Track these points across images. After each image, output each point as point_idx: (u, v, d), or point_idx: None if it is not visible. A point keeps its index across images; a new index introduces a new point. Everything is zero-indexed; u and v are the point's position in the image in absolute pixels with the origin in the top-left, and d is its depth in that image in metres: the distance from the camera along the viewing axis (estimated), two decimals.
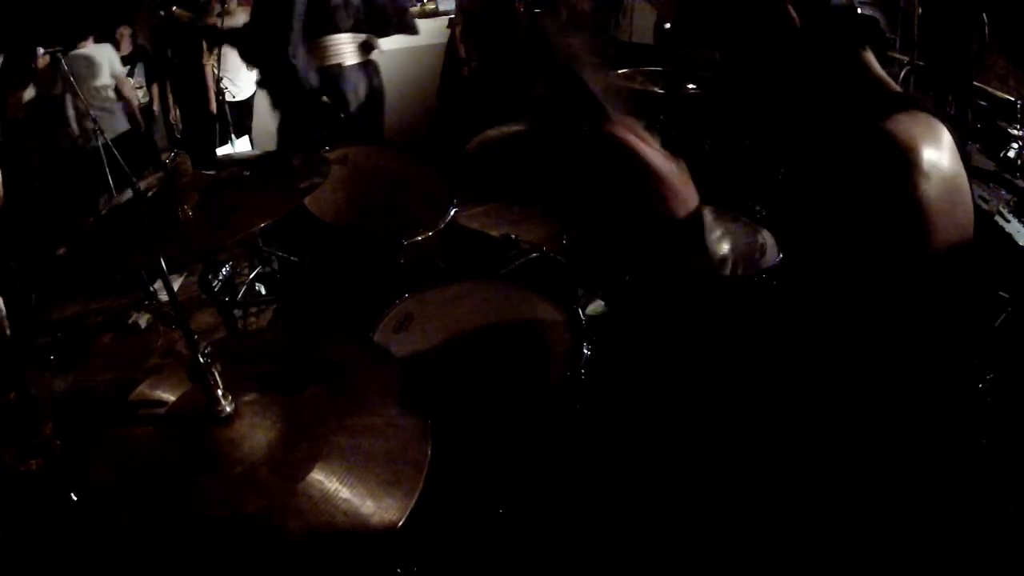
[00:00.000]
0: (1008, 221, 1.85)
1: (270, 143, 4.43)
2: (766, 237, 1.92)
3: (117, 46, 4.16)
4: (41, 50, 3.73)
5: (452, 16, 4.86)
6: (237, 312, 2.88)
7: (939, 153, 1.06)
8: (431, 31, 4.00)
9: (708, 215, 1.22)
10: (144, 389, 1.23)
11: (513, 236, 2.25)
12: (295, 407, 1.16)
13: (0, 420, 2.23)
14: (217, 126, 4.24)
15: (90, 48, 3.89)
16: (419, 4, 5.26)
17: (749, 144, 2.26)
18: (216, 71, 4.22)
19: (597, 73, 1.21)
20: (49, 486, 1.88)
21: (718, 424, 1.69)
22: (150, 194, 1.45)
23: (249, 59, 3.46)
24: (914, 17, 2.56)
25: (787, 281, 1.61)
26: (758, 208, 1.96)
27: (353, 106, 3.26)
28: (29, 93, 3.87)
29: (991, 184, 2.00)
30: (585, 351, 1.59)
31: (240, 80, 4.48)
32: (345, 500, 1.00)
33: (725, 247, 1.97)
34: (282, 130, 3.39)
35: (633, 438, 1.86)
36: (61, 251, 1.44)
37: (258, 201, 1.56)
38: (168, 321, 3.33)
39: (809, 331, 1.30)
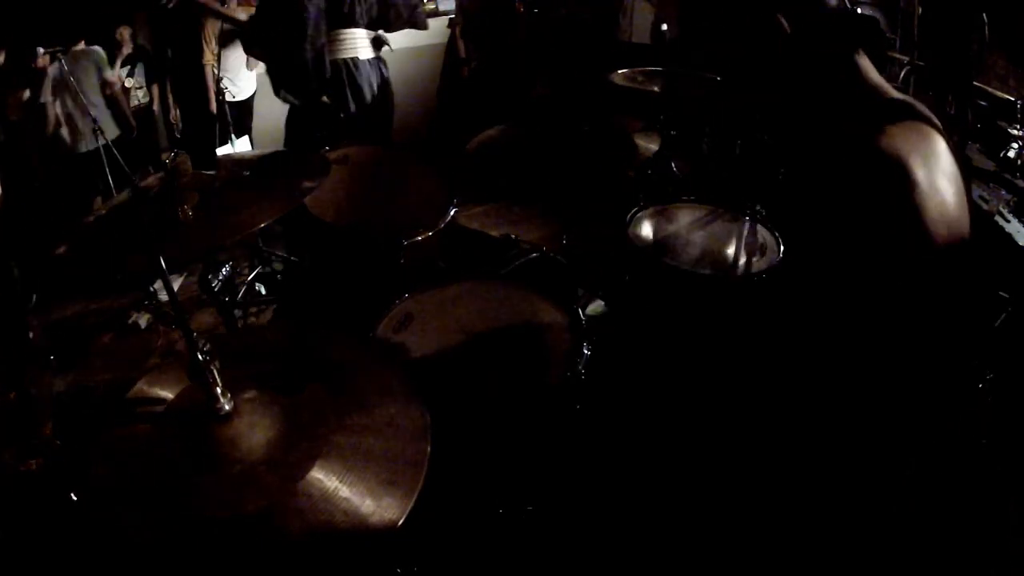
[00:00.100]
0: (1008, 221, 1.85)
1: (270, 143, 4.44)
2: (766, 237, 1.92)
3: (117, 46, 4.15)
4: (41, 50, 3.73)
5: (452, 16, 4.86)
6: (237, 312, 2.88)
7: (929, 165, 1.07)
8: (431, 31, 4.01)
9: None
10: (142, 386, 1.22)
11: (513, 236, 2.26)
12: (295, 406, 1.16)
13: (0, 420, 2.23)
14: (217, 126, 4.24)
15: (78, 52, 3.87)
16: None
17: (749, 144, 2.26)
18: (216, 71, 4.22)
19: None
20: (49, 486, 1.88)
21: (718, 424, 1.69)
22: (149, 194, 1.45)
23: (253, 47, 3.44)
24: (914, 17, 2.56)
25: (787, 281, 1.61)
26: (758, 208, 1.96)
27: (368, 99, 3.27)
28: (26, 95, 3.87)
29: (991, 184, 1.99)
30: (585, 351, 1.59)
31: (240, 80, 4.49)
32: (345, 499, 1.00)
33: (725, 247, 1.98)
34: (287, 128, 3.40)
35: (633, 438, 1.86)
36: (61, 250, 1.44)
37: (258, 201, 1.56)
38: (168, 321, 3.33)
39: (809, 331, 1.30)
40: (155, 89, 4.48)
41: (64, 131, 3.92)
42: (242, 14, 3.91)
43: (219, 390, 1.11)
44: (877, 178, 1.07)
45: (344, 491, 1.01)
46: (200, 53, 4.28)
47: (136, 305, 3.45)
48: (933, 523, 1.49)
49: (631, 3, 4.31)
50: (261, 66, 4.49)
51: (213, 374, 1.09)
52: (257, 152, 4.10)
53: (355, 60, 3.21)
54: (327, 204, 2.12)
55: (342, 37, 3.16)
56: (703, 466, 1.72)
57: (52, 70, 3.77)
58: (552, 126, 2.66)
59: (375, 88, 3.31)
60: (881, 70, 1.22)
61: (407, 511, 0.98)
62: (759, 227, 1.93)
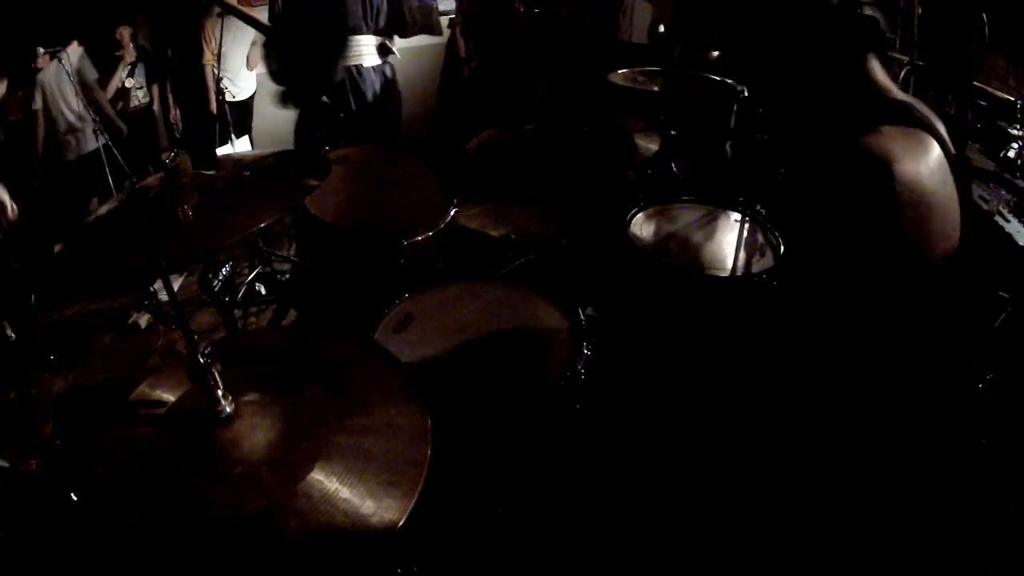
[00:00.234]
0: (1008, 221, 1.85)
1: (270, 143, 4.44)
2: (766, 237, 1.92)
3: (117, 46, 4.14)
4: (41, 50, 3.73)
5: (452, 16, 4.86)
6: (237, 312, 2.88)
7: (919, 167, 1.07)
8: None
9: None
10: (144, 389, 1.23)
11: (513, 236, 2.26)
12: (295, 407, 1.16)
13: (0, 420, 2.23)
14: (217, 126, 4.24)
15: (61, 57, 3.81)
16: None
17: (749, 144, 2.26)
18: (216, 71, 4.22)
19: None
20: (49, 486, 1.88)
21: (718, 424, 1.69)
22: (149, 194, 1.45)
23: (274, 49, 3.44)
24: (914, 17, 2.56)
25: (787, 281, 1.61)
26: (758, 208, 1.96)
27: (370, 101, 3.27)
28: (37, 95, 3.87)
29: (991, 184, 1.99)
30: (585, 351, 1.59)
31: (240, 80, 4.49)
32: (345, 500, 1.00)
33: (725, 247, 1.97)
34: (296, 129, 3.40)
35: (633, 438, 1.86)
36: (58, 248, 1.44)
37: (258, 201, 1.56)
38: (168, 321, 3.33)
39: (809, 331, 1.30)
40: (155, 89, 4.48)
41: (58, 136, 3.91)
42: None
43: (220, 392, 1.11)
44: (859, 173, 1.08)
45: (344, 492, 1.01)
46: (200, 53, 4.28)
47: (136, 305, 3.45)
48: (933, 523, 1.49)
49: (631, 3, 4.31)
50: (261, 66, 4.50)
51: (214, 376, 1.10)
52: (257, 152, 4.10)
53: (359, 67, 3.22)
54: (327, 204, 2.12)
55: (347, 44, 3.16)
56: (703, 466, 1.72)
57: (41, 77, 3.77)
58: (552, 126, 2.66)
59: (378, 91, 3.31)
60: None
61: (407, 512, 0.98)
62: (759, 228, 1.93)
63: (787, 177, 1.38)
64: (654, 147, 2.67)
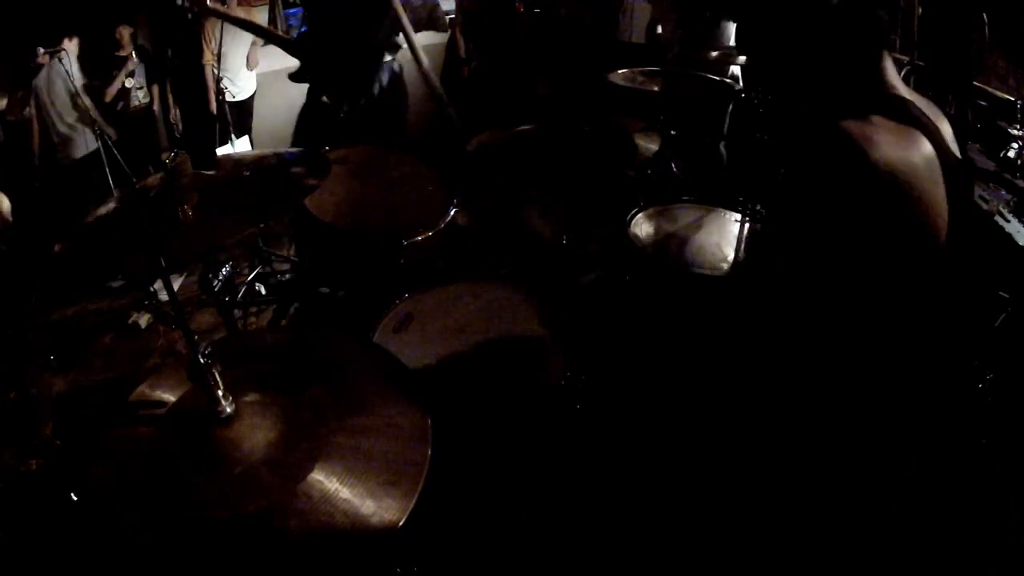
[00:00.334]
0: (1008, 221, 1.85)
1: (270, 143, 4.44)
2: (765, 237, 1.92)
3: (117, 46, 4.14)
4: (41, 50, 3.72)
5: (452, 16, 4.86)
6: (237, 312, 2.88)
7: (900, 155, 1.06)
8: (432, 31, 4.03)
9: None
10: (144, 389, 1.23)
11: (514, 236, 2.26)
12: (295, 407, 1.16)
13: (0, 420, 2.23)
14: (217, 126, 4.23)
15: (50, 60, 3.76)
16: None
17: (749, 144, 2.26)
18: (216, 71, 4.22)
19: None
20: (49, 486, 1.88)
21: (718, 424, 1.69)
22: (149, 194, 1.45)
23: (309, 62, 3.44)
24: (914, 17, 2.55)
25: (786, 281, 1.61)
26: (758, 208, 1.96)
27: (378, 101, 3.28)
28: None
29: (991, 184, 1.99)
30: (585, 351, 1.59)
31: (240, 80, 4.48)
32: (345, 500, 1.00)
33: (725, 247, 1.97)
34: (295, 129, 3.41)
35: (633, 438, 1.86)
36: (57, 247, 1.44)
37: (258, 201, 1.56)
38: (168, 321, 3.33)
39: (808, 331, 1.30)
40: (155, 89, 4.48)
41: (53, 139, 3.91)
42: (241, 13, 3.91)
43: (220, 392, 1.11)
44: (833, 155, 1.07)
45: (344, 492, 1.01)
46: (200, 53, 4.27)
47: (136, 305, 3.45)
48: (933, 523, 1.49)
49: (631, 3, 4.31)
50: (261, 66, 4.50)
51: (215, 376, 1.10)
52: (257, 152, 4.10)
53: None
54: (327, 204, 2.12)
55: (381, 54, 3.19)
56: (703, 466, 1.72)
57: (35, 81, 3.77)
58: (552, 126, 2.66)
59: (385, 86, 3.32)
60: None
61: (407, 512, 0.98)
62: (758, 227, 1.93)
63: (788, 177, 1.38)
64: (654, 147, 2.67)
